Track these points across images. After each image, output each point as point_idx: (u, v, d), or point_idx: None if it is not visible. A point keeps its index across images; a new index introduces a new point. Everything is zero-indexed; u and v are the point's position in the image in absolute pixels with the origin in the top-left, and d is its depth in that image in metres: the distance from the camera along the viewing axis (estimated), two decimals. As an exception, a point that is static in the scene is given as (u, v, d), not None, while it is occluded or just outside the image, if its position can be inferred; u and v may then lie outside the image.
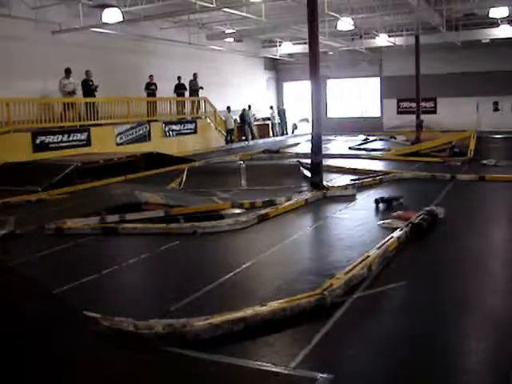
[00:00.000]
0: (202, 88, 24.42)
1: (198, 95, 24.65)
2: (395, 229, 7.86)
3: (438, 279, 6.25)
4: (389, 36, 27.01)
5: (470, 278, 6.34)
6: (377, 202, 10.04)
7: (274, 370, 4.11)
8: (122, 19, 17.07)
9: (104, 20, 17.12)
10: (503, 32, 25.68)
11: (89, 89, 18.85)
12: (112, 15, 16.77)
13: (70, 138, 17.35)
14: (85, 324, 4.73)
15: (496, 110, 26.27)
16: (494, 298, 5.68)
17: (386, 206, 9.87)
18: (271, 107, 31.82)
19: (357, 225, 8.79)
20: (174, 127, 22.57)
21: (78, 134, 17.68)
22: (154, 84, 22.02)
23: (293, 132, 32.81)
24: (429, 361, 4.25)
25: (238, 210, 9.75)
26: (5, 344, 4.31)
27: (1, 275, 6.40)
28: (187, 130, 23.40)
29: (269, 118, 31.53)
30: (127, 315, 4.80)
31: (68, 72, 18.00)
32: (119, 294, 6.09)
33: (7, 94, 15.74)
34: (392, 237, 7.34)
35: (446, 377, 4.06)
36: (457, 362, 4.32)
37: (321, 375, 3.96)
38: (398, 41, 27.64)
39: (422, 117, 24.77)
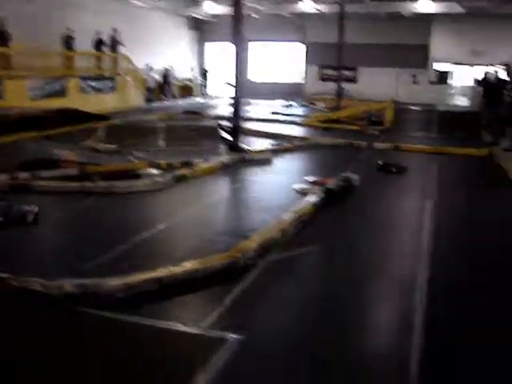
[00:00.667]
0: (122, 45, 23.72)
1: (117, 52, 23.95)
2: (311, 193, 7.98)
3: (350, 243, 6.43)
4: (314, 2, 27.04)
5: (380, 242, 6.55)
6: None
7: (185, 329, 4.13)
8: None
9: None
10: (424, 7, 26.37)
11: (2, 37, 17.94)
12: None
13: (-21, 90, 16.52)
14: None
15: (414, 82, 26.97)
16: (403, 262, 5.90)
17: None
18: (192, 68, 31.31)
19: (273, 188, 8.88)
20: (92, 84, 21.83)
21: (-13, 86, 16.83)
22: (72, 37, 21.17)
23: (214, 94, 32.53)
24: (338, 322, 4.38)
25: (155, 170, 9.61)
26: None
27: None
28: (106, 87, 22.70)
29: (190, 79, 31.08)
30: (38, 275, 4.67)
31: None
32: (30, 254, 5.87)
33: None
34: (307, 201, 7.47)
35: (354, 337, 4.19)
36: (365, 323, 4.47)
37: (231, 335, 4.01)
38: (323, 8, 27.72)
39: (343, 85, 25.04)
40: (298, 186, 8.80)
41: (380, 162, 10.70)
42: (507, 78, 13.32)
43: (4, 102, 16.84)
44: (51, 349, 3.88)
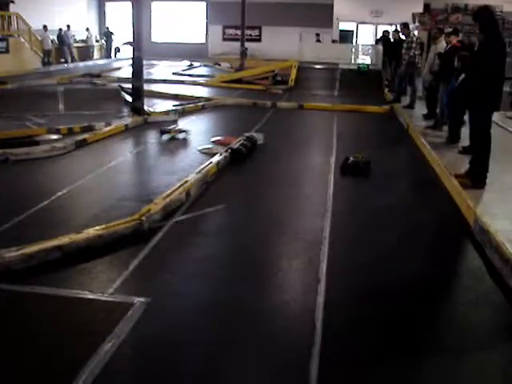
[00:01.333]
0: (12, 2, 22.46)
1: (8, 10, 22.70)
2: (215, 154, 7.98)
3: (254, 202, 6.53)
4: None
5: (283, 200, 6.66)
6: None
7: (90, 297, 4.07)
8: None
9: None
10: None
11: None
12: None
13: None
14: None
15: (318, 41, 27.21)
16: (302, 218, 6.03)
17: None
18: (87, 29, 30.07)
19: (177, 151, 8.80)
20: (-17, 45, 20.78)
21: None
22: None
23: (115, 55, 31.61)
24: (245, 279, 4.44)
25: (54, 136, 9.30)
26: None
27: None
28: (-2, 48, 21.62)
29: (85, 40, 29.88)
30: None
31: None
32: None
33: None
34: (211, 162, 7.46)
35: (261, 295, 4.26)
36: (271, 278, 4.55)
37: (137, 299, 3.99)
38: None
39: (247, 45, 24.96)
40: (202, 147, 8.77)
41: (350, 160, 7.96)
42: (404, 38, 13.72)
43: None
44: None
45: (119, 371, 3.28)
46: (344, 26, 29.69)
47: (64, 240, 4.73)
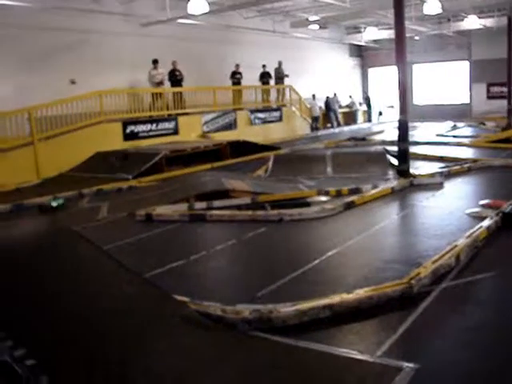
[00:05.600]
0: (287, 76, 24.45)
1: (283, 83, 24.70)
2: (484, 218, 7.66)
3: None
4: (478, 18, 26.04)
5: None
6: None
7: (359, 357, 4.12)
8: (207, 10, 17.29)
9: (189, 11, 17.41)
10: None
11: (175, 79, 19.29)
12: (197, 6, 17.01)
13: (159, 127, 17.84)
14: (174, 307, 4.92)
15: None
16: None
17: None
18: (350, 96, 31.23)
19: (444, 213, 8.60)
20: (260, 115, 22.73)
21: (166, 123, 18.14)
22: (240, 73, 22.25)
23: (378, 118, 32.29)
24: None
25: (324, 198, 9.74)
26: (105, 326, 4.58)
27: (96, 259, 6.77)
28: (273, 117, 23.52)
29: (349, 106, 31.02)
30: (215, 300, 4.94)
31: (155, 62, 18.53)
32: (207, 280, 6.23)
33: (98, 86, 16.29)
34: (481, 226, 7.17)
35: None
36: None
37: (407, 364, 3.95)
38: (489, 22, 26.62)
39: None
40: (470, 211, 8.49)
41: None
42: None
43: (180, 137, 18.11)
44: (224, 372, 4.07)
45: None
46: None
47: (335, 299, 4.90)
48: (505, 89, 23.87)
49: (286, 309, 4.72)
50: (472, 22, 26.20)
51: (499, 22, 25.68)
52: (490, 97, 31.11)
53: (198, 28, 20.60)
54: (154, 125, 17.71)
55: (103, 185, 12.05)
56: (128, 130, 16.83)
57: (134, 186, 12.24)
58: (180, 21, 19.05)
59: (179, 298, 5.06)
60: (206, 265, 6.69)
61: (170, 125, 18.22)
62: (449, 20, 27.34)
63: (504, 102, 23.68)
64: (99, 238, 7.77)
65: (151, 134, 17.51)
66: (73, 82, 16.93)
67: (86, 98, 15.92)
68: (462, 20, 26.53)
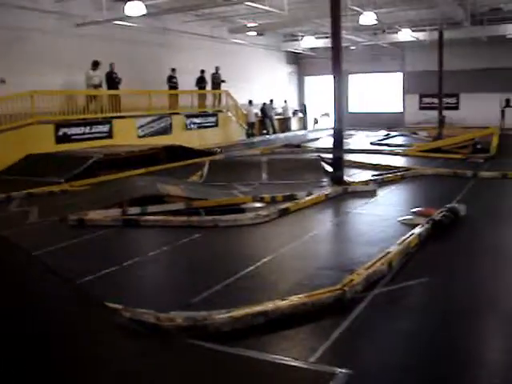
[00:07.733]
0: (224, 81, 24.44)
1: (219, 89, 24.69)
2: (416, 225, 7.84)
3: (459, 275, 6.24)
4: (412, 31, 26.77)
5: (489, 274, 6.31)
6: None
7: (293, 363, 4.12)
8: (144, 12, 17.08)
9: (127, 13, 17.16)
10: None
11: (113, 81, 18.97)
12: (135, 8, 16.76)
13: (93, 130, 17.46)
14: (106, 315, 4.79)
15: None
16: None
17: None
18: (285, 101, 31.42)
19: (377, 221, 8.76)
20: (196, 120, 22.63)
21: (100, 126, 17.79)
22: (176, 77, 22.09)
23: (314, 126, 32.69)
24: (452, 359, 4.25)
25: (258, 204, 9.77)
26: (31, 333, 4.40)
27: (25, 265, 6.52)
28: (208, 123, 23.46)
29: (281, 113, 31.23)
30: (148, 307, 4.86)
31: (96, 64, 18.16)
32: (140, 286, 6.13)
33: (31, 86, 15.80)
34: (413, 233, 7.33)
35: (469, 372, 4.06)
36: (480, 360, 4.31)
37: (340, 370, 3.97)
38: (422, 36, 27.41)
39: (445, 113, 24.52)
40: (402, 218, 8.67)
41: None
42: None
43: (114, 141, 17.79)
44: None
45: None
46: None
47: (269, 306, 4.88)
48: (436, 100, 24.56)
49: (220, 316, 4.68)
50: (405, 35, 26.90)
51: (431, 35, 26.41)
52: (422, 107, 32.03)
53: (135, 30, 20.34)
54: (88, 128, 17.31)
55: (34, 188, 11.70)
56: (61, 133, 16.38)
57: (66, 190, 11.94)
58: (117, 22, 18.76)
59: (111, 305, 4.94)
60: (139, 271, 6.58)
61: (104, 128, 17.87)
62: (384, 31, 27.97)
63: (435, 113, 24.38)
64: (29, 243, 7.51)
65: (85, 137, 17.10)
66: (2, 81, 16.36)
67: (17, 97, 15.45)
68: (397, 32, 27.19)
